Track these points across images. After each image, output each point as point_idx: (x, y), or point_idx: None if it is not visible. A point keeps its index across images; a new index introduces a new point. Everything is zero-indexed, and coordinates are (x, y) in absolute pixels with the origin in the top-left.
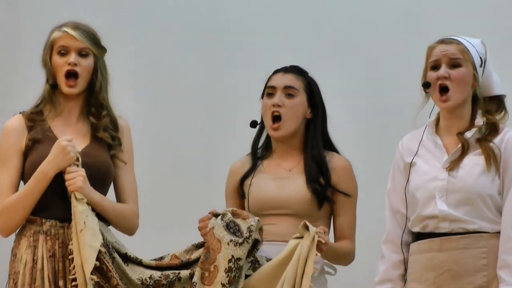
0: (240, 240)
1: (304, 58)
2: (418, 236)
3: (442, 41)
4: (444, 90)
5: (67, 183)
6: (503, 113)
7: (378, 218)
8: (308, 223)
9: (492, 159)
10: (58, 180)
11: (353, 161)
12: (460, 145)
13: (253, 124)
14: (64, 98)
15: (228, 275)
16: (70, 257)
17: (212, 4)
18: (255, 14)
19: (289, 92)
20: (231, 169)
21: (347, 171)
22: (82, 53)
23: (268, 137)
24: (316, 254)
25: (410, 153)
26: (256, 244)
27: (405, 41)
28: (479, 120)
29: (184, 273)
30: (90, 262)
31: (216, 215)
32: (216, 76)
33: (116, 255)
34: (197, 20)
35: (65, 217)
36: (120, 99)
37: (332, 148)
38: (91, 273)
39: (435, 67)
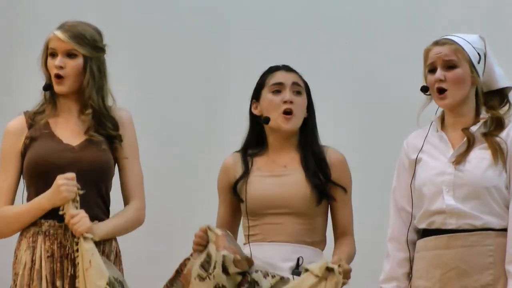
0: (204, 275)
1: (304, 57)
2: (425, 233)
3: (437, 43)
4: (442, 92)
5: (73, 228)
6: (507, 106)
7: (378, 216)
8: (332, 266)
9: (499, 153)
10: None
11: (353, 160)
12: (465, 138)
13: (266, 120)
14: (63, 97)
15: None
16: None
17: (212, 3)
18: (255, 14)
19: (297, 89)
20: (223, 165)
21: (342, 165)
22: (70, 54)
23: (261, 134)
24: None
25: (415, 150)
26: (243, 274)
27: (405, 40)
28: (485, 115)
29: None
30: None
31: (206, 231)
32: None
33: None
34: (197, 19)
35: (63, 217)
36: (119, 99)
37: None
38: None
39: (432, 70)
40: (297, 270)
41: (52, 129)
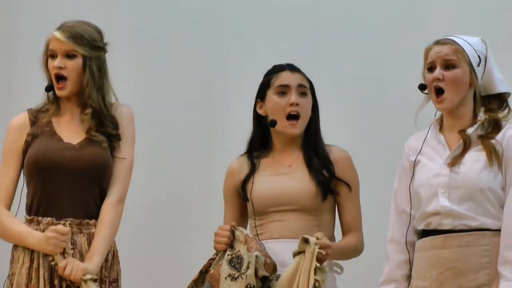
0: (236, 275)
1: (304, 57)
2: (423, 234)
3: (438, 42)
4: (439, 92)
5: (70, 278)
6: (506, 111)
7: (378, 216)
8: (307, 236)
9: (493, 155)
10: (56, 180)
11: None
12: (461, 141)
13: (272, 123)
14: (66, 98)
15: None
16: None
17: (212, 3)
18: (255, 13)
19: (302, 91)
20: (228, 170)
21: (347, 162)
22: (69, 55)
23: (265, 135)
24: (321, 265)
25: (414, 152)
26: (264, 280)
27: (404, 39)
28: (482, 116)
29: None
30: None
31: (233, 231)
32: (216, 75)
33: None
34: (197, 19)
35: (62, 215)
36: (119, 98)
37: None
38: None
39: (431, 68)
40: None
41: (54, 127)
